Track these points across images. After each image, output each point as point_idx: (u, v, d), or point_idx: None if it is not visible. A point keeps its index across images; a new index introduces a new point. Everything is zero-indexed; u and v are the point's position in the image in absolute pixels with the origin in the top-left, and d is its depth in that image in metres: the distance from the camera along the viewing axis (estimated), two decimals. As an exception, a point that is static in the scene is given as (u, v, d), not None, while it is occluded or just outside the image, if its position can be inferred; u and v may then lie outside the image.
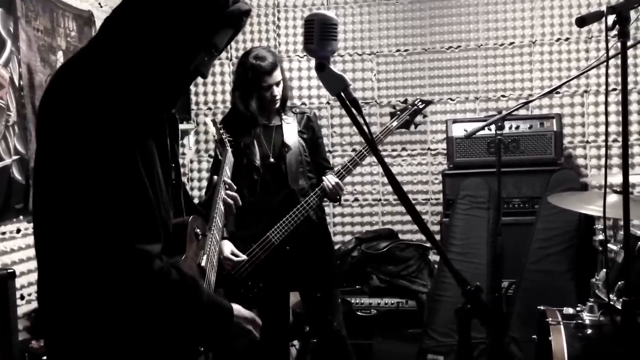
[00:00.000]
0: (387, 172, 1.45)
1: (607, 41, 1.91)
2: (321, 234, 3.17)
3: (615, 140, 4.06)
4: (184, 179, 4.58)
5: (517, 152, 3.82)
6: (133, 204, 1.36)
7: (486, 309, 1.43)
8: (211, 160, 3.56)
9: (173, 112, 1.63)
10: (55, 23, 3.32)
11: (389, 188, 3.76)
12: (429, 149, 4.38)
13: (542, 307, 2.64)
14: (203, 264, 1.79)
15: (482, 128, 3.15)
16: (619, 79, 2.06)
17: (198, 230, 1.78)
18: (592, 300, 2.55)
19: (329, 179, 2.97)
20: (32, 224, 1.48)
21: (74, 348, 1.43)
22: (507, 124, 3.40)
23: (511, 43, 4.26)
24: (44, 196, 1.43)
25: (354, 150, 2.98)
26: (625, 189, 1.88)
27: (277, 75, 2.97)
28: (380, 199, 4.44)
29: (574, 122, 4.19)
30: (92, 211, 1.34)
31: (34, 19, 3.12)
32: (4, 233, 2.91)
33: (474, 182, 3.79)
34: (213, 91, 4.60)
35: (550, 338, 2.44)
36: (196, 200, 2.08)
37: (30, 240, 2.90)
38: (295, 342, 3.97)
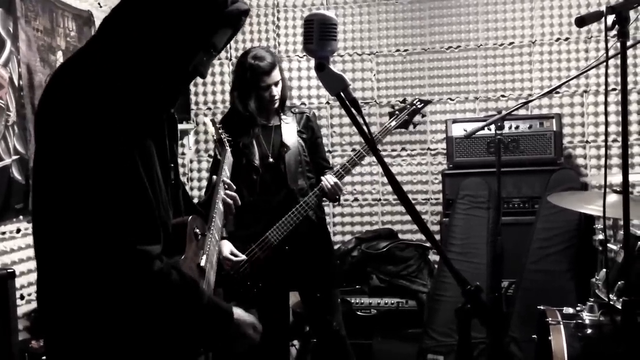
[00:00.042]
0: (387, 172, 1.45)
1: (606, 41, 1.91)
2: (320, 234, 3.17)
3: (615, 140, 4.06)
4: (184, 179, 4.58)
5: (516, 152, 3.82)
6: (133, 204, 1.36)
7: (486, 308, 1.42)
8: (211, 160, 3.56)
9: (172, 112, 1.62)
10: (54, 23, 3.32)
11: (389, 188, 3.76)
12: (428, 148, 4.38)
13: (542, 307, 2.64)
14: (202, 263, 1.78)
15: (482, 128, 3.15)
16: (619, 79, 2.07)
17: (197, 230, 1.78)
18: (592, 300, 2.54)
19: (328, 179, 2.96)
20: (31, 224, 1.48)
21: (74, 348, 1.43)
22: (506, 124, 3.40)
23: (511, 43, 4.26)
24: (43, 197, 1.42)
25: (353, 150, 2.99)
26: (625, 189, 1.88)
27: (275, 75, 2.97)
28: (380, 199, 4.44)
29: (573, 122, 4.19)
30: (92, 212, 1.33)
31: (34, 19, 3.12)
32: (3, 233, 2.91)
33: (473, 182, 3.79)
34: (213, 91, 4.60)
35: (550, 338, 2.44)
36: (196, 200, 2.08)
37: (30, 240, 2.89)
38: (295, 342, 3.97)
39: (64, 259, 1.39)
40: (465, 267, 3.52)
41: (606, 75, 1.99)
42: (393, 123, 3.10)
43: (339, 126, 4.47)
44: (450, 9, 4.32)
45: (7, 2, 2.91)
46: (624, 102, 1.91)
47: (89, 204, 1.33)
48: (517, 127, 3.85)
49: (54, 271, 1.43)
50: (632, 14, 1.85)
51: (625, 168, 1.89)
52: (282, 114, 3.10)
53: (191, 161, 4.66)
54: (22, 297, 2.91)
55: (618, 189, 2.46)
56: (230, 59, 4.53)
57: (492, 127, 3.10)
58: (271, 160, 3.04)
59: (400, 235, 4.26)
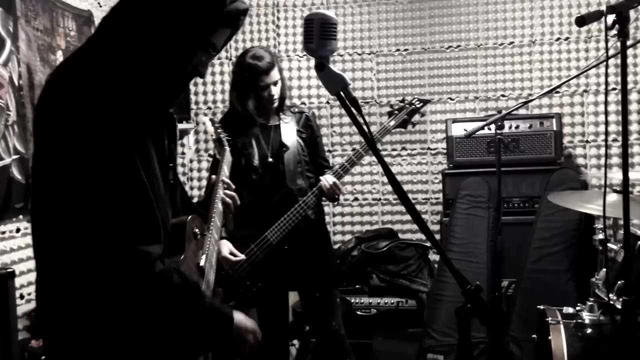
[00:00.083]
0: (387, 172, 1.45)
1: (606, 41, 1.91)
2: (320, 234, 3.17)
3: (615, 140, 4.06)
4: (184, 179, 4.58)
5: (517, 151, 3.82)
6: (133, 204, 1.36)
7: (486, 308, 1.42)
8: (211, 159, 3.56)
9: (170, 112, 1.62)
10: (54, 22, 3.32)
11: (389, 187, 3.76)
12: (428, 148, 4.38)
13: (541, 307, 2.64)
14: (202, 263, 1.79)
15: (482, 127, 3.15)
16: (619, 79, 2.07)
17: (197, 230, 1.78)
18: (592, 299, 2.54)
19: (327, 179, 2.96)
20: (30, 224, 1.48)
21: (73, 348, 1.43)
22: (506, 124, 3.40)
23: (511, 42, 4.26)
24: (42, 197, 1.42)
25: (353, 149, 2.98)
26: (625, 189, 1.88)
27: (274, 74, 2.97)
28: (380, 199, 4.44)
29: (573, 121, 4.18)
30: (92, 212, 1.33)
31: (34, 19, 3.12)
32: (3, 232, 2.91)
33: (473, 182, 3.79)
34: (213, 91, 4.60)
35: (550, 337, 2.43)
36: (195, 200, 2.08)
37: (30, 239, 2.90)
38: (295, 342, 3.97)
39: (64, 259, 1.39)
40: (465, 267, 3.52)
41: (606, 74, 2.00)
42: (392, 122, 3.09)
43: (339, 126, 4.47)
44: (450, 8, 4.32)
45: (7, 1, 2.91)
46: (624, 102, 1.91)
47: (89, 204, 1.33)
48: (517, 127, 3.85)
49: (54, 271, 1.43)
50: (632, 14, 1.85)
51: (625, 167, 1.89)
52: (281, 113, 3.10)
53: (191, 161, 4.66)
54: (21, 297, 2.90)
55: (618, 189, 2.45)
56: (231, 59, 4.52)
57: (492, 126, 3.09)
58: (270, 160, 3.04)
59: (400, 235, 4.26)
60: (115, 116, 1.34)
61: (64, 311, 1.42)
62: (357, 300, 3.84)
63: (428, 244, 3.96)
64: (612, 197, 2.47)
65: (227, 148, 2.47)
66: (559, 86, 3.45)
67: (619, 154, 3.90)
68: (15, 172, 2.93)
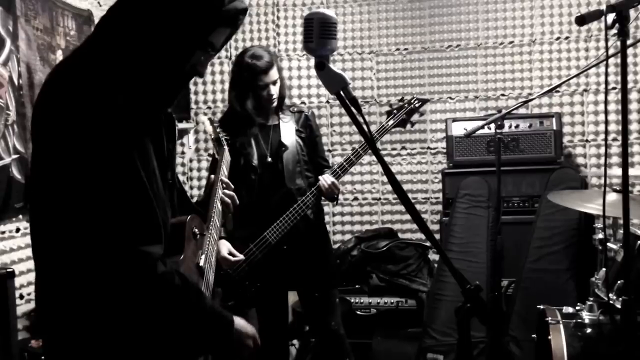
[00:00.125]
0: (387, 171, 1.44)
1: (606, 40, 1.91)
2: (319, 233, 3.16)
3: (615, 139, 4.05)
4: (184, 179, 4.58)
5: (516, 150, 3.82)
6: (133, 204, 1.35)
7: (486, 308, 1.42)
8: (210, 159, 3.56)
9: (169, 111, 1.62)
10: (54, 22, 3.31)
11: (389, 187, 3.76)
12: (428, 147, 4.38)
13: (541, 306, 2.64)
14: (201, 263, 1.78)
15: (482, 127, 3.15)
16: (619, 78, 2.06)
17: (196, 230, 1.78)
18: (591, 299, 2.54)
19: (325, 179, 2.95)
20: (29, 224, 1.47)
21: (73, 348, 1.43)
22: (506, 123, 3.40)
23: (511, 42, 4.26)
24: (41, 198, 1.42)
25: (353, 149, 2.98)
26: (624, 188, 1.87)
27: (273, 74, 2.96)
28: (379, 198, 4.44)
29: (573, 120, 4.18)
30: (92, 212, 1.33)
31: (33, 18, 3.12)
32: (3, 232, 2.91)
33: (473, 181, 3.79)
34: (212, 90, 4.60)
35: (549, 337, 2.43)
36: (194, 200, 2.08)
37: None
38: (295, 342, 3.97)
39: (64, 259, 1.39)
40: (465, 266, 3.52)
41: (606, 74, 2.00)
42: (391, 122, 3.08)
43: (339, 125, 4.47)
44: (450, 7, 4.32)
45: (7, 1, 2.91)
46: (624, 101, 1.91)
47: (89, 204, 1.33)
48: (517, 126, 3.85)
49: (53, 271, 1.43)
50: (632, 13, 1.85)
51: (625, 167, 1.89)
52: (280, 113, 3.10)
53: (191, 160, 4.65)
54: (21, 297, 2.90)
55: (618, 188, 2.45)
56: (230, 58, 4.52)
57: (492, 126, 3.09)
58: (269, 159, 3.03)
59: (400, 235, 4.26)
60: (114, 116, 1.34)
61: (63, 311, 1.42)
62: (356, 300, 3.84)
63: (428, 244, 3.96)
64: (612, 197, 2.47)
65: (226, 148, 2.46)
66: (559, 85, 3.45)
67: (618, 153, 3.90)
68: (15, 172, 2.93)
